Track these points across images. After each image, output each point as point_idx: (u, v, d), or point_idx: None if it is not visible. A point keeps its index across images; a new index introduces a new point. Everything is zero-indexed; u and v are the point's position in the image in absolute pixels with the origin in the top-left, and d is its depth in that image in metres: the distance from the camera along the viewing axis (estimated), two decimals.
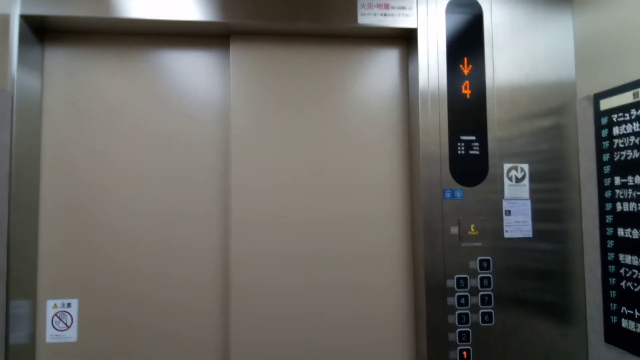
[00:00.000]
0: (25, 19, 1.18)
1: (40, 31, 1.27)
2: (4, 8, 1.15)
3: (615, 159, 1.16)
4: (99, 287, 1.27)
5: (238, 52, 1.32)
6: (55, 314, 1.25)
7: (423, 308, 1.24)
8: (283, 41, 1.33)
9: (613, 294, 1.17)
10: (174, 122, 1.32)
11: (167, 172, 1.31)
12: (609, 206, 1.18)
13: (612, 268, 1.17)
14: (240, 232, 1.28)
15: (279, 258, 1.29)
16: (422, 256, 1.24)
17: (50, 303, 1.25)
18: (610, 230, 1.18)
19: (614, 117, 1.16)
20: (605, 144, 1.19)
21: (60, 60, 1.29)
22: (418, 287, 1.29)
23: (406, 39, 1.37)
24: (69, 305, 1.25)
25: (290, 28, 1.29)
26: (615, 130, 1.16)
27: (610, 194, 1.18)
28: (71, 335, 1.25)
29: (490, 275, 1.24)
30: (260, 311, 1.28)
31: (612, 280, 1.17)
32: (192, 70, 1.34)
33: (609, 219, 1.18)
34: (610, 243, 1.18)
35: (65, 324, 1.25)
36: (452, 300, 1.22)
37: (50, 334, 1.25)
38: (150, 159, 1.30)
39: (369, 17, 1.26)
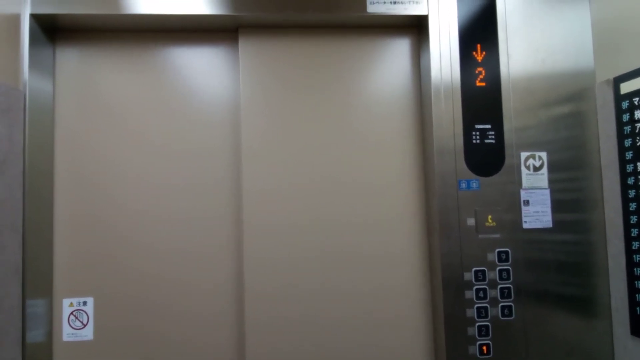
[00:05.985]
0: (36, 18, 1.19)
1: (51, 30, 1.27)
2: (14, 7, 1.15)
3: (638, 144, 1.12)
4: (113, 288, 1.26)
5: (247, 46, 1.30)
6: (72, 313, 1.25)
7: (440, 302, 1.21)
8: (292, 33, 1.31)
9: (638, 284, 1.13)
10: (184, 123, 1.31)
11: (177, 173, 1.30)
12: (632, 193, 1.14)
13: (637, 257, 1.13)
14: (252, 235, 1.26)
15: (293, 261, 1.27)
16: (439, 249, 1.21)
17: (66, 302, 1.25)
18: (634, 218, 1.13)
19: (635, 100, 1.12)
20: (627, 128, 1.15)
21: (71, 60, 1.29)
22: (435, 281, 1.26)
23: (417, 27, 1.34)
24: (84, 303, 1.25)
25: (299, 19, 1.27)
26: (637, 114, 1.12)
27: (633, 181, 1.14)
28: (87, 333, 1.25)
29: (510, 267, 1.20)
30: (275, 315, 1.26)
31: (638, 270, 1.13)
32: (202, 68, 1.33)
33: (633, 206, 1.14)
34: (635, 231, 1.13)
35: (82, 323, 1.25)
36: (471, 294, 1.19)
37: (67, 333, 1.25)
38: (161, 160, 1.30)
39: (378, 6, 1.24)
